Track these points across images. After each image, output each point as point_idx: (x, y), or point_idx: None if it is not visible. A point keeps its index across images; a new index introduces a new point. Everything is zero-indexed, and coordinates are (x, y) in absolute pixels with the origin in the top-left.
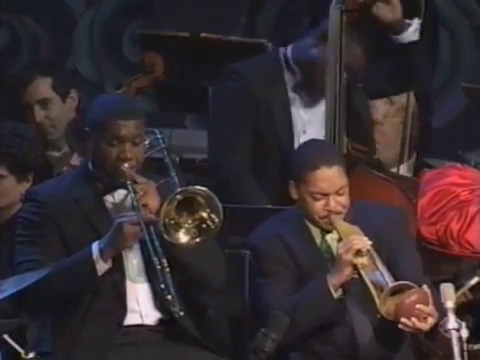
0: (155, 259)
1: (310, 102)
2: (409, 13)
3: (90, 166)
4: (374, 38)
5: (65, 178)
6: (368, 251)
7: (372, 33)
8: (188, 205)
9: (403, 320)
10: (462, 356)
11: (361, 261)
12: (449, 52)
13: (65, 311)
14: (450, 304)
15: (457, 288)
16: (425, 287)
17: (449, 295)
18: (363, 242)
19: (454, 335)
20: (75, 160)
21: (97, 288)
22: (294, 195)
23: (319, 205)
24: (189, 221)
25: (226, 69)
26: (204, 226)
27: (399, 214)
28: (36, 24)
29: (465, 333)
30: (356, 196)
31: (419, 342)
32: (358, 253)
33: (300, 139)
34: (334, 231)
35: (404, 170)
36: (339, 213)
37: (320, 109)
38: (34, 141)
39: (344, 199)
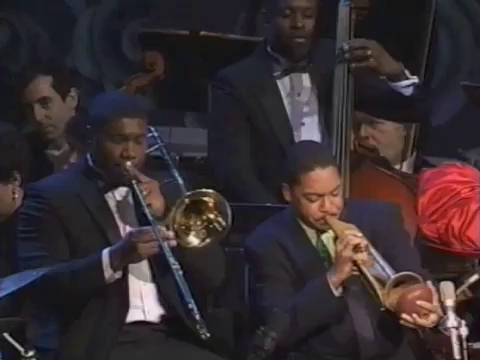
0: (171, 259)
1: (302, 83)
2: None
3: (90, 162)
4: None
5: (66, 174)
6: (366, 246)
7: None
8: (195, 207)
9: (404, 316)
10: (462, 354)
11: (361, 257)
12: (449, 52)
13: (68, 309)
14: (450, 302)
15: (458, 286)
16: (429, 283)
17: (449, 293)
18: (360, 238)
19: (454, 333)
20: (75, 159)
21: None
22: (287, 197)
23: (314, 206)
24: (198, 222)
25: (216, 76)
26: (212, 227)
27: (392, 209)
28: (36, 22)
29: (465, 331)
30: (362, 193)
31: (424, 340)
32: (357, 249)
33: (300, 132)
34: (329, 231)
35: (405, 168)
36: (334, 214)
37: (314, 92)
38: (5, 142)
39: (338, 200)
